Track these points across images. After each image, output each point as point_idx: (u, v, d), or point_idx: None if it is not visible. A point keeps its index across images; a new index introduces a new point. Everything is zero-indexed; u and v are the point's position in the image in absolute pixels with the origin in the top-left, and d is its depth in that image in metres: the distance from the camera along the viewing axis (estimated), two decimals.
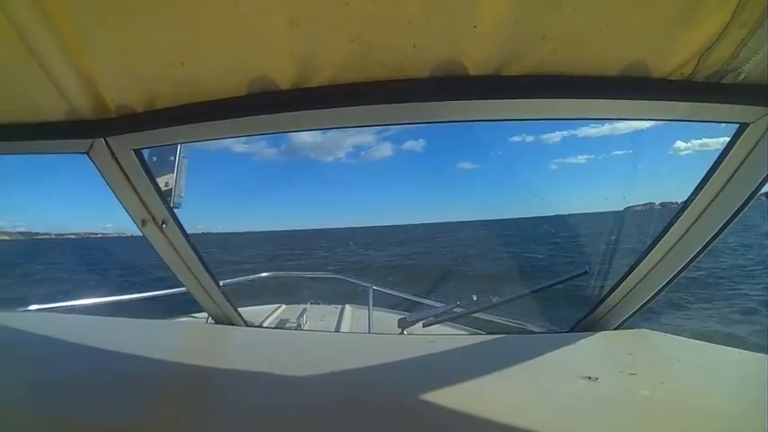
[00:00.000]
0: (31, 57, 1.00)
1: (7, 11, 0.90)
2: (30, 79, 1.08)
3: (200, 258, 1.70)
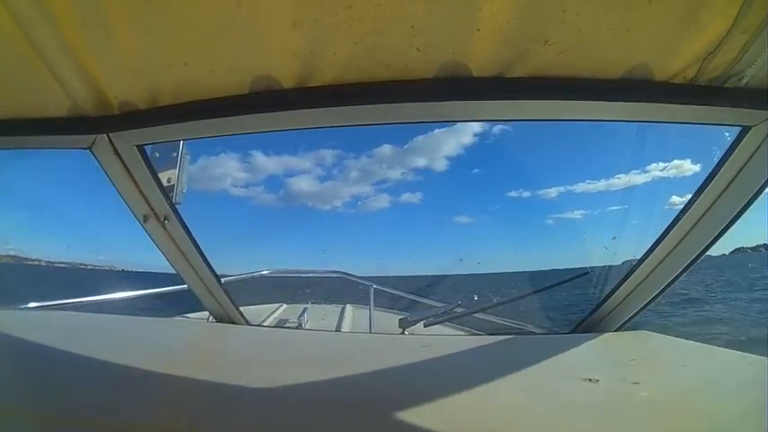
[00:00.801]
0: (35, 53, 1.01)
1: (12, 8, 0.91)
2: (34, 75, 1.09)
3: (203, 255, 1.70)
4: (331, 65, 1.02)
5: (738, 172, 1.15)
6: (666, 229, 1.37)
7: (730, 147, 1.14)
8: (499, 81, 1.01)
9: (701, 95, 1.01)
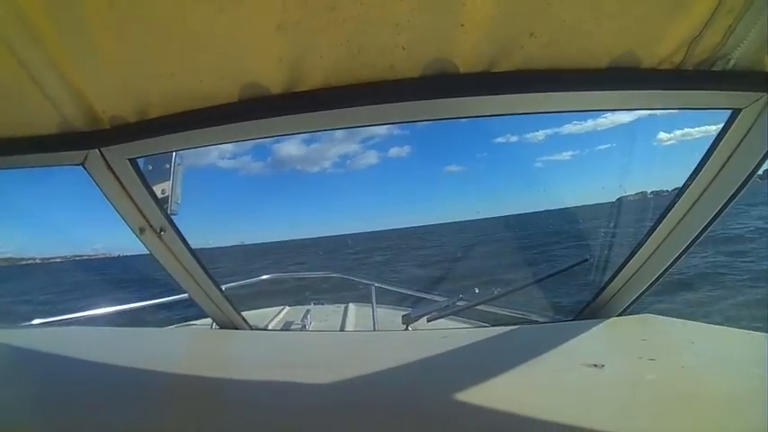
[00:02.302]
0: (22, 72, 1.01)
1: None
2: (22, 94, 1.09)
3: (201, 264, 1.70)
4: (317, 68, 1.02)
5: (731, 154, 1.15)
6: (664, 212, 1.37)
7: (722, 129, 1.14)
8: (486, 76, 1.01)
9: (688, 80, 1.00)
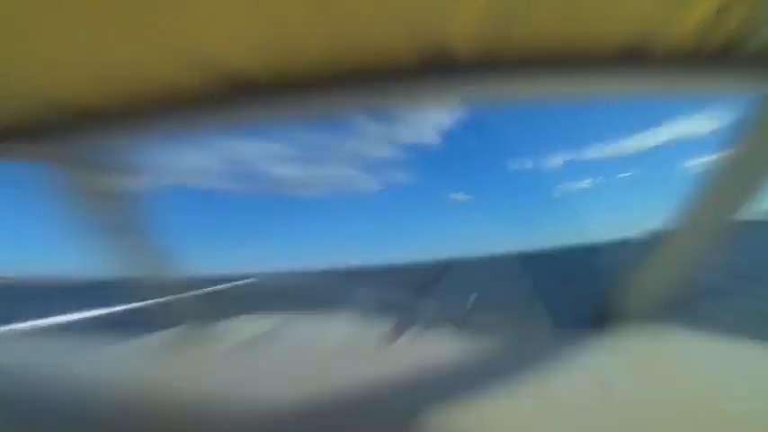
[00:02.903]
0: None
1: None
2: None
3: (176, 265, 1.66)
4: (308, 50, 0.96)
5: (754, 142, 1.12)
6: (678, 210, 1.32)
7: (743, 117, 1.10)
8: (485, 60, 0.97)
9: (704, 65, 0.97)
